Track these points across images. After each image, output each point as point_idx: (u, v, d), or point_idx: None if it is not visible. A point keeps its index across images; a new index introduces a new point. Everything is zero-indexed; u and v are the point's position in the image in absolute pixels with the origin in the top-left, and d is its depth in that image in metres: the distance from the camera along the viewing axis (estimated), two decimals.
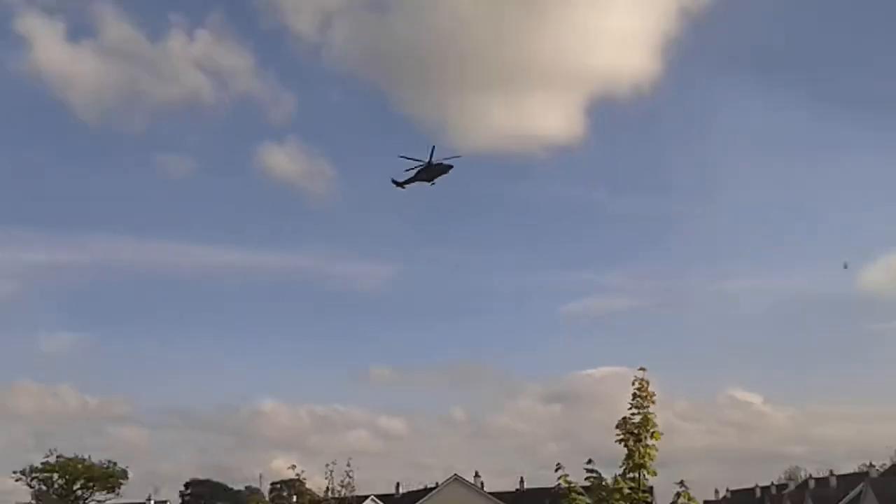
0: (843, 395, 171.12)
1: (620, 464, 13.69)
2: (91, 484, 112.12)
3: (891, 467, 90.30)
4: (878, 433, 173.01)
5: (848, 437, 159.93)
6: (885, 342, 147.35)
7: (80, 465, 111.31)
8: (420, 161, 57.80)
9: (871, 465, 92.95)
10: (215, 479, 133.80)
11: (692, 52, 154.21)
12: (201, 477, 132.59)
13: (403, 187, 59.55)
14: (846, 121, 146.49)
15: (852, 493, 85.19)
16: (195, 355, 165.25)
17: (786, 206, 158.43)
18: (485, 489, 79.20)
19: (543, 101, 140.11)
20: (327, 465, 56.72)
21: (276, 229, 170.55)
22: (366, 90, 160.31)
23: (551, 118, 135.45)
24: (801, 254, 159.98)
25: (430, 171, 57.85)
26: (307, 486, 74.92)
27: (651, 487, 14.20)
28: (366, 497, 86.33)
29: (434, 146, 59.58)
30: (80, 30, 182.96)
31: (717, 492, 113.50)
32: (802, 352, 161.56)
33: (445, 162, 57.87)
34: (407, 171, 60.29)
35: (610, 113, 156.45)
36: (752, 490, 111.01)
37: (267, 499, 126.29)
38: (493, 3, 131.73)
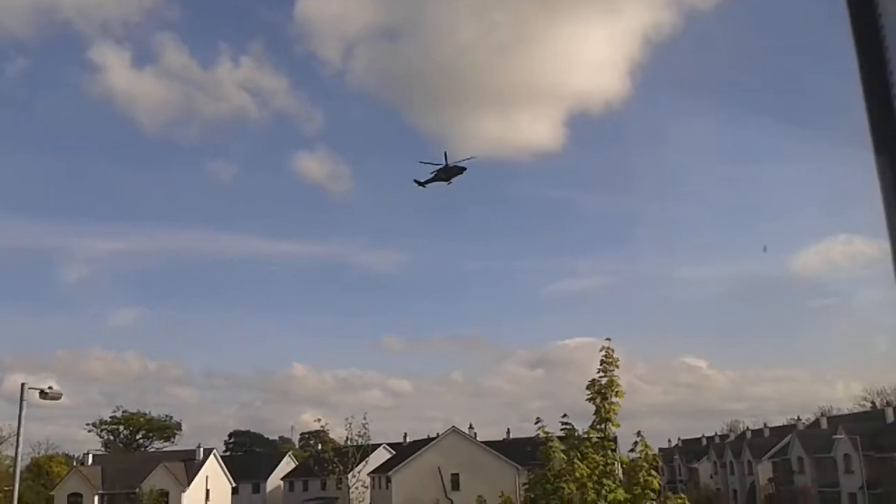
0: (777, 360, 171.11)
1: (591, 418, 13.69)
2: (151, 434, 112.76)
3: (814, 421, 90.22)
4: (805, 393, 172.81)
5: (780, 395, 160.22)
6: (816, 317, 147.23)
7: (142, 419, 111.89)
8: (438, 164, 56.82)
9: (799, 420, 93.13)
10: (254, 430, 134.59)
11: (655, 75, 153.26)
12: (242, 429, 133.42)
13: (424, 186, 58.25)
14: (781, 134, 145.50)
15: (782, 443, 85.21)
16: (239, 328, 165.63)
17: (731, 204, 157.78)
18: (477, 439, 79.15)
19: (530, 115, 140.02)
20: (347, 419, 57.41)
21: (307, 222, 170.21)
22: (382, 107, 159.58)
23: (536, 130, 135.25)
24: (743, 244, 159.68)
25: (448, 172, 56.50)
26: (330, 435, 75.94)
27: (615, 437, 14.21)
28: (378, 445, 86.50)
29: (446, 151, 58.86)
30: (144, 57, 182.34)
31: (670, 441, 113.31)
32: (743, 325, 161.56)
33: (460, 164, 56.84)
34: (422, 162, 59.20)
35: (586, 125, 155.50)
36: (700, 439, 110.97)
37: (297, 446, 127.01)
38: (487, 35, 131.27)
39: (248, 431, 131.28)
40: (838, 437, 69.63)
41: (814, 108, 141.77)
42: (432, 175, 57.68)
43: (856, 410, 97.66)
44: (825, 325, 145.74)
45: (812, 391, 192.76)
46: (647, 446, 13.56)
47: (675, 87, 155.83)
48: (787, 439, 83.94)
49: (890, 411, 75.81)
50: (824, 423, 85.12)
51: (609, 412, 13.41)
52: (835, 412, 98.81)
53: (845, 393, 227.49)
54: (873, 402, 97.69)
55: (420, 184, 58.50)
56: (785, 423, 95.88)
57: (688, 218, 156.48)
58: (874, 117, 1.62)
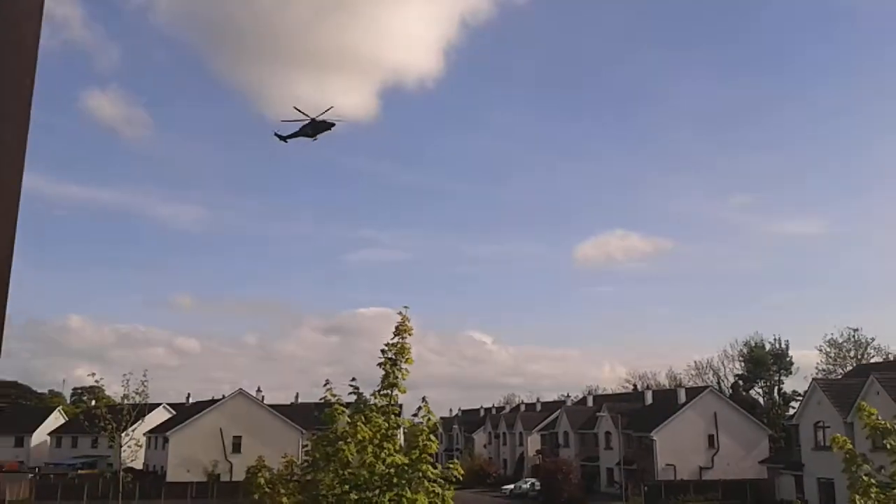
0: (554, 341, 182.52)
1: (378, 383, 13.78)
2: None
3: (581, 399, 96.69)
4: (575, 372, 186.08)
5: (553, 373, 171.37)
6: (591, 303, 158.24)
7: None
8: (305, 117, 52.53)
9: (568, 396, 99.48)
10: (22, 381, 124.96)
11: (469, 59, 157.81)
12: (8, 379, 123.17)
13: (286, 141, 53.47)
14: (576, 128, 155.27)
15: (551, 417, 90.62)
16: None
17: (532, 190, 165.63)
18: (265, 402, 78.21)
19: (343, 82, 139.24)
20: (124, 375, 53.99)
21: (97, 166, 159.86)
22: (187, 51, 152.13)
23: (349, 97, 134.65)
24: (537, 230, 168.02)
25: (316, 127, 52.24)
26: (106, 392, 71.85)
27: (401, 404, 14.38)
28: (158, 405, 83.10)
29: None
30: None
31: (451, 410, 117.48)
32: (527, 305, 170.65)
33: (330, 120, 52.90)
34: (285, 121, 54.13)
35: (398, 100, 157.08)
36: (478, 410, 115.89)
37: (68, 402, 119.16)
38: None
39: (14, 382, 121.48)
40: (601, 414, 75.01)
41: (605, 104, 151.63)
42: (298, 130, 53.42)
43: (619, 391, 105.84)
44: (599, 311, 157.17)
45: (582, 371, 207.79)
46: (429, 411, 13.86)
47: (489, 73, 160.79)
48: (555, 414, 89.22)
49: (649, 394, 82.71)
50: (591, 402, 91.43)
51: (396, 378, 13.55)
52: (601, 392, 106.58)
53: (611, 375, 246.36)
54: (635, 385, 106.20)
55: (282, 138, 53.65)
56: (556, 399, 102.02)
57: (486, 199, 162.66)
58: None
